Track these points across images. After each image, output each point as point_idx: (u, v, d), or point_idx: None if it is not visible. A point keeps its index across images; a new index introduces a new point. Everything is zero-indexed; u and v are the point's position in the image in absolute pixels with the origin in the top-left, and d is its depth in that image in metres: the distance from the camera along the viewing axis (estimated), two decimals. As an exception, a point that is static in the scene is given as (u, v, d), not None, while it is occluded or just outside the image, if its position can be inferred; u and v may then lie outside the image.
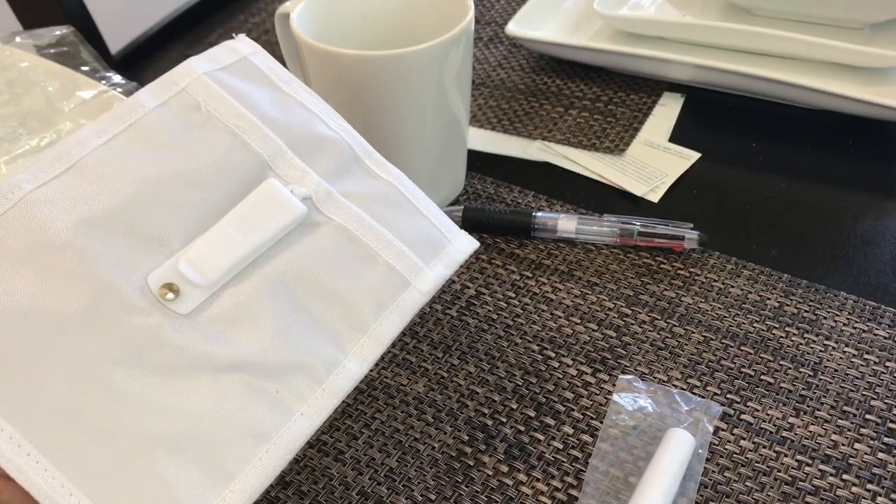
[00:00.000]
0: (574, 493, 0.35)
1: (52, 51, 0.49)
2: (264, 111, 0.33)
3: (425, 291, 0.34)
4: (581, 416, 0.38)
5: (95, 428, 0.26)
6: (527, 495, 0.35)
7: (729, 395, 0.38)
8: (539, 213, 0.47)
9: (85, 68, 0.43)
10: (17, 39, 0.49)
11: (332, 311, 0.31)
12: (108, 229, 0.28)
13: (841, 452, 0.36)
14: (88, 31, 0.64)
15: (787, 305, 0.42)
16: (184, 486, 0.26)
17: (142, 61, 0.69)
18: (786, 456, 0.36)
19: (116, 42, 0.68)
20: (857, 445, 0.36)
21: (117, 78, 0.42)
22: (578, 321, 0.43)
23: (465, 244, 0.36)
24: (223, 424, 0.27)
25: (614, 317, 0.43)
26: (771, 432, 0.37)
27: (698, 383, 0.39)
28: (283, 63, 0.50)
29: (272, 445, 0.28)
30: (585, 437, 0.37)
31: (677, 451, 0.35)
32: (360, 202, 0.34)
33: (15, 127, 0.41)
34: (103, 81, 0.42)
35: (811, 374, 0.39)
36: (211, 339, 0.28)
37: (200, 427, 0.27)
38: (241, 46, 0.35)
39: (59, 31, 0.50)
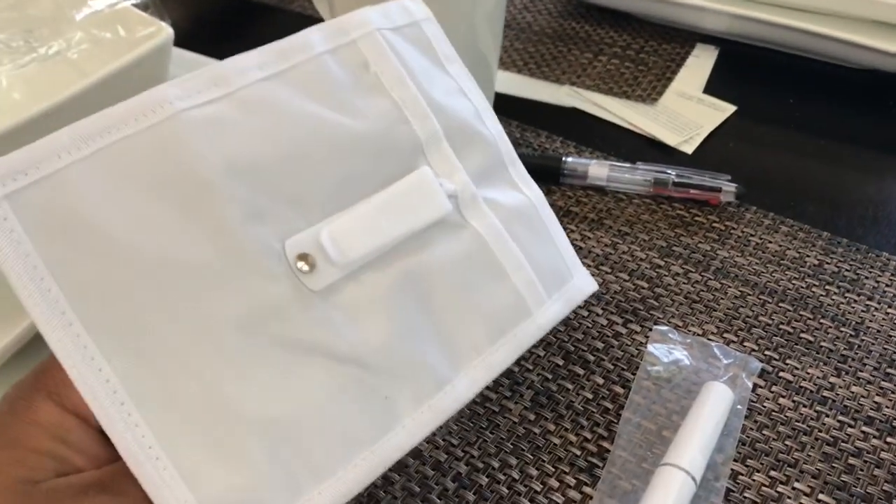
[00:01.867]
0: (605, 444, 0.33)
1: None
2: (427, 89, 0.30)
3: (543, 326, 0.30)
4: (612, 367, 0.36)
5: (198, 391, 0.23)
6: (555, 444, 0.34)
7: (767, 352, 0.37)
8: (569, 159, 0.45)
9: (97, -22, 0.40)
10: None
11: (455, 324, 0.28)
12: (254, 177, 0.25)
13: (885, 414, 0.34)
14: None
15: (828, 263, 0.40)
16: (276, 476, 0.23)
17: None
18: (827, 416, 0.34)
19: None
20: (901, 408, 0.34)
21: (132, -10, 0.40)
22: (609, 270, 0.41)
23: (586, 284, 0.33)
24: (329, 419, 0.24)
25: (647, 267, 0.41)
26: (811, 391, 0.35)
27: (735, 338, 0.37)
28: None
29: (370, 453, 0.25)
30: (617, 389, 0.35)
31: (716, 405, 0.33)
32: (501, 214, 0.31)
33: (18, 34, 0.38)
34: (117, -8, 0.39)
35: (853, 333, 0.37)
36: (335, 324, 0.25)
37: (305, 416, 0.24)
38: (414, 8, 0.31)
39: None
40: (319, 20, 0.47)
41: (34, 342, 0.34)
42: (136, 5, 0.40)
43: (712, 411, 0.33)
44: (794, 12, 0.53)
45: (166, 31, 0.39)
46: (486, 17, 0.41)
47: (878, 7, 0.50)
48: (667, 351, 0.36)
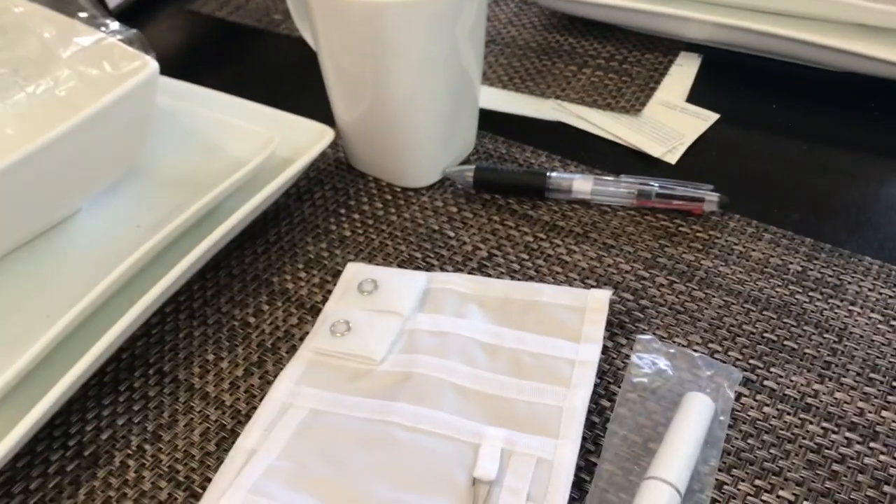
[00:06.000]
0: (593, 458, 0.34)
1: (47, -2, 0.47)
2: None
3: None
4: (598, 381, 0.37)
5: None
6: (543, 460, 0.34)
7: (751, 361, 0.37)
8: (554, 174, 0.45)
9: (83, 14, 0.41)
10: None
11: None
12: None
13: (868, 420, 0.34)
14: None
15: (811, 270, 0.41)
16: None
17: (142, 15, 0.67)
18: (811, 423, 0.35)
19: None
20: (884, 413, 0.35)
21: (115, 25, 0.41)
22: (594, 283, 0.41)
23: None
24: None
25: (631, 280, 0.41)
26: (795, 399, 0.35)
27: (719, 348, 0.38)
28: (288, 12, 0.47)
29: None
30: (603, 402, 0.36)
31: (697, 416, 0.34)
32: None
33: (8, 74, 0.39)
34: (102, 28, 0.40)
35: (836, 339, 0.38)
36: None
37: None
38: None
39: (54, -23, 0.48)
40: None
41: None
42: (121, 40, 0.41)
43: (693, 423, 0.33)
44: (775, 18, 0.54)
45: (151, 64, 0.39)
46: (467, 33, 0.42)
47: (858, 11, 0.51)
48: (651, 361, 0.37)
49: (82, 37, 0.40)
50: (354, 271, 0.41)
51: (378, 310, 0.39)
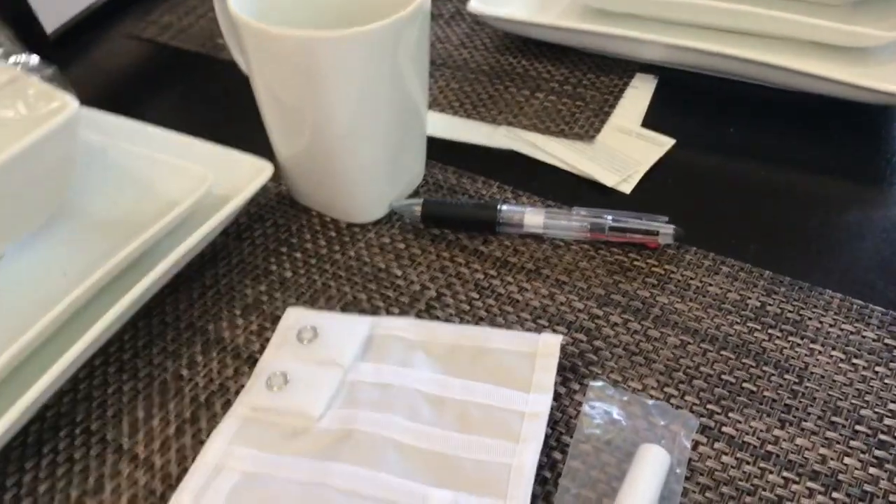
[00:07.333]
0: (543, 518, 0.32)
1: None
2: None
3: None
4: (550, 430, 0.35)
5: None
6: (491, 522, 0.32)
7: (709, 406, 0.35)
8: (505, 207, 0.43)
9: (-2, 50, 0.39)
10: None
11: None
12: None
13: (830, 468, 0.33)
14: (18, 8, 0.59)
15: (770, 305, 0.39)
16: None
17: (82, 39, 0.64)
18: (771, 472, 0.33)
19: (52, 20, 0.63)
20: (846, 460, 0.33)
21: (34, 60, 0.38)
22: (546, 324, 0.39)
23: None
24: None
25: (584, 319, 0.39)
26: (755, 446, 0.34)
27: (675, 392, 0.36)
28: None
29: None
30: (556, 455, 0.34)
31: (651, 469, 0.32)
32: None
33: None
34: (18, 64, 0.38)
35: (796, 380, 0.36)
36: None
37: None
38: None
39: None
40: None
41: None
42: (40, 77, 0.38)
43: (647, 477, 0.31)
44: (730, 38, 0.52)
45: (71, 105, 0.37)
46: (409, 60, 0.40)
47: (815, 30, 0.50)
48: (604, 410, 0.35)
49: (-4, 75, 0.38)
50: (294, 317, 0.39)
51: (317, 360, 0.37)
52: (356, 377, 0.36)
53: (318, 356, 0.37)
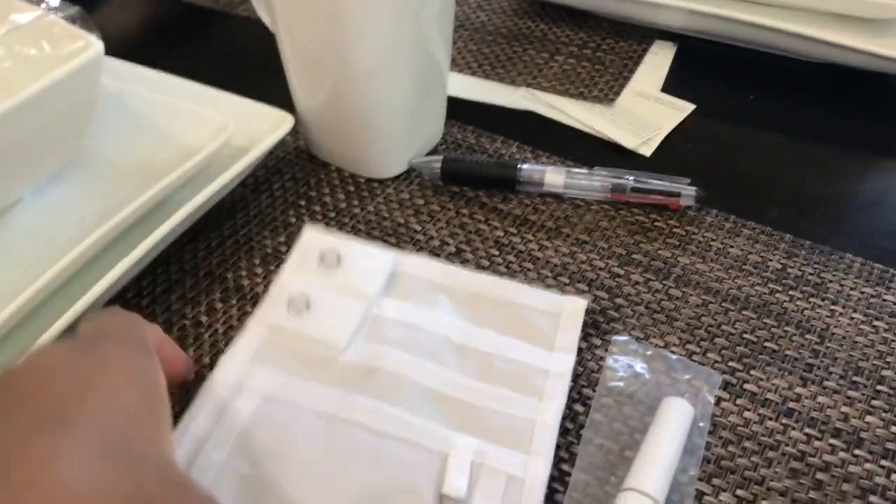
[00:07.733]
0: (566, 467, 0.32)
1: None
2: None
3: None
4: (572, 384, 0.35)
5: None
6: (514, 470, 0.32)
7: (731, 363, 0.35)
8: (525, 166, 0.43)
9: (21, -11, 0.38)
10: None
11: None
12: None
13: (852, 426, 0.33)
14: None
15: (791, 267, 0.39)
16: None
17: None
18: (793, 429, 0.33)
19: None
20: (868, 418, 0.33)
21: (57, 2, 0.38)
22: (567, 281, 0.39)
23: None
24: None
25: (606, 277, 0.39)
26: (777, 403, 0.34)
27: (697, 349, 0.36)
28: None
29: None
30: (577, 407, 0.34)
31: (675, 422, 0.32)
32: None
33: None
34: (42, 5, 0.37)
35: (818, 340, 0.36)
36: None
37: None
38: None
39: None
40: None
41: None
42: (63, 17, 0.38)
43: (671, 430, 0.32)
44: (751, 6, 0.52)
45: (95, 45, 0.36)
46: (434, 17, 0.39)
47: (835, 0, 0.50)
48: (627, 364, 0.35)
49: (19, 14, 0.37)
50: (315, 238, 0.38)
51: (341, 287, 0.36)
52: (379, 312, 0.36)
53: (342, 283, 0.36)
